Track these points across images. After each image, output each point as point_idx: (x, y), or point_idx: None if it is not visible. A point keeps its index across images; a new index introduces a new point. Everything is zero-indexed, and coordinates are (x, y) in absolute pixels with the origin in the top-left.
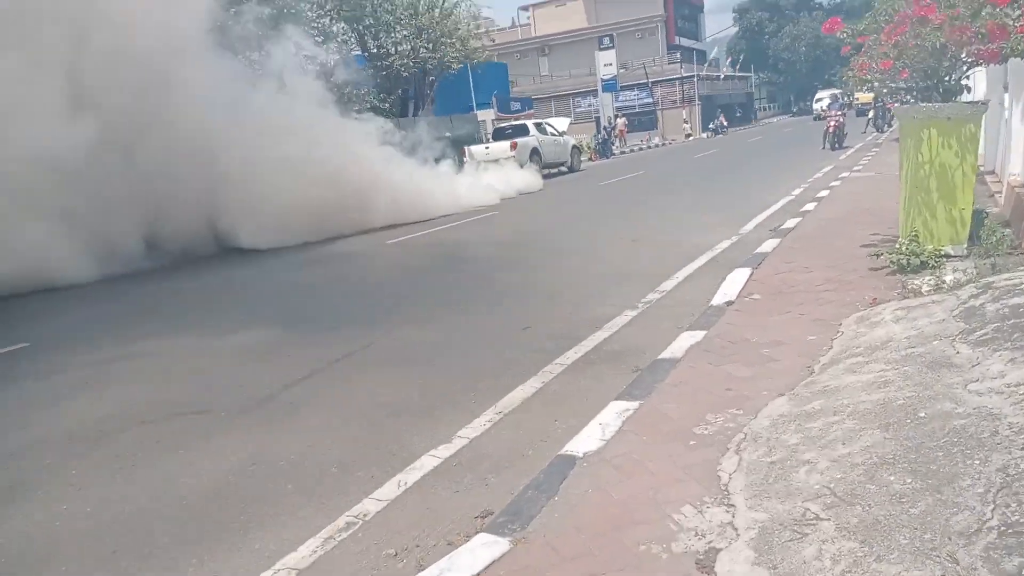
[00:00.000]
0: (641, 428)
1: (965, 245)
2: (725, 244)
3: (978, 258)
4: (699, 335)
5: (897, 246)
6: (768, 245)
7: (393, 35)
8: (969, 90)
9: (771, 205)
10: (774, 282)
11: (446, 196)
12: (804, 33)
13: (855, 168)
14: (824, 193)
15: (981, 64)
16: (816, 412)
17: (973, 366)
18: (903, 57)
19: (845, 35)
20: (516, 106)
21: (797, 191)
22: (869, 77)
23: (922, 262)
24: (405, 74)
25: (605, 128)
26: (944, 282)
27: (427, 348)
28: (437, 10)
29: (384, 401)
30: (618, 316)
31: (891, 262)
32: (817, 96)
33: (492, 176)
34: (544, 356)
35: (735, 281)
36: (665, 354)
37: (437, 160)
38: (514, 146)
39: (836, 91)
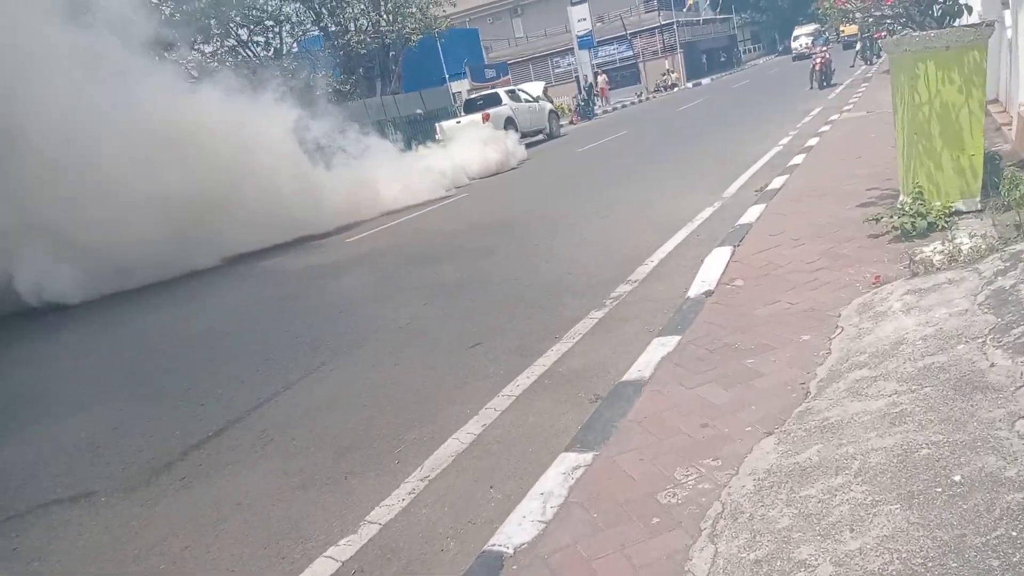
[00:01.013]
0: (592, 498)
1: (979, 198)
2: (707, 213)
3: (995, 212)
4: (671, 342)
5: (899, 205)
6: (752, 212)
7: (349, 10)
8: (969, 11)
9: (757, 160)
10: (759, 261)
11: (394, 188)
12: None
13: (845, 108)
14: (813, 141)
15: None
16: (813, 467)
17: (1017, 388)
18: None
19: None
20: (491, 73)
21: (785, 140)
22: (849, 6)
23: (929, 223)
24: (363, 51)
25: (584, 88)
26: (960, 250)
27: (353, 387)
28: None
29: (289, 469)
30: (582, 320)
31: (893, 227)
32: (795, 33)
33: (461, 153)
34: (490, 384)
35: (715, 263)
36: (631, 373)
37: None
38: (486, 117)
39: (816, 26)
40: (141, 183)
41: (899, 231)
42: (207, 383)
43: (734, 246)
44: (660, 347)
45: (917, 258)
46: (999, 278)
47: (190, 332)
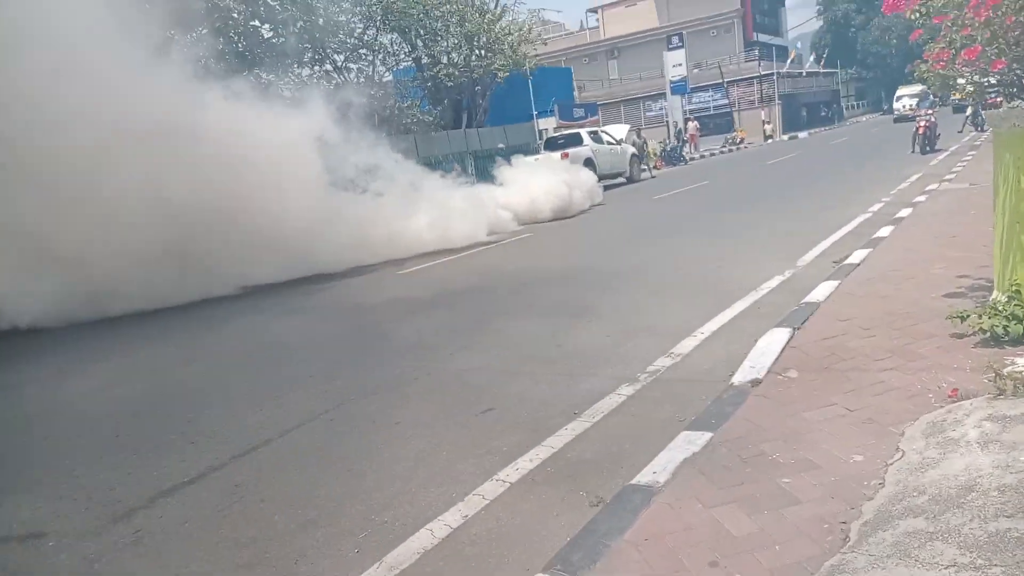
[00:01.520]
0: None
1: None
2: (774, 282)
3: None
4: (700, 440)
5: (991, 303)
6: (823, 289)
7: (442, 43)
8: None
9: (841, 226)
10: (820, 351)
11: (433, 229)
12: (895, 24)
13: (946, 176)
14: (905, 212)
15: None
16: None
17: None
18: (997, 41)
19: (916, 15)
20: (579, 113)
21: (876, 206)
22: (950, 72)
23: None
24: (450, 84)
25: (674, 135)
26: None
27: (345, 443)
28: (487, 15)
29: (243, 539)
30: (608, 395)
31: (981, 328)
32: (898, 93)
33: (524, 192)
34: (488, 463)
35: (770, 346)
36: (644, 474)
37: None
38: (565, 156)
39: (923, 87)
40: (138, 189)
41: (988, 334)
42: (209, 418)
43: (795, 328)
44: (686, 444)
45: (1006, 371)
46: None
47: (212, 361)
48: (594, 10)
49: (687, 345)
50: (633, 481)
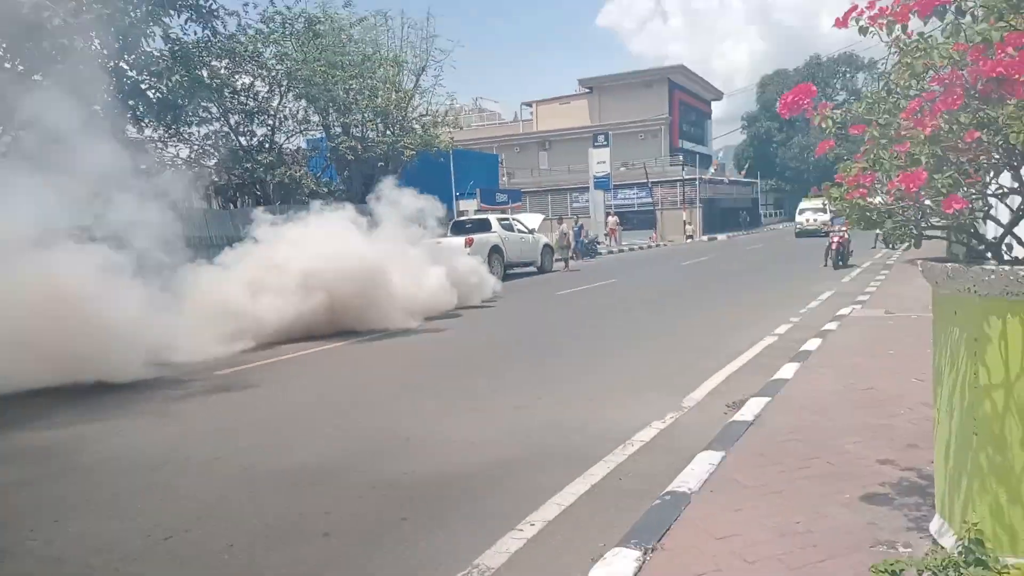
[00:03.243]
0: None
1: None
2: (649, 433)
3: None
4: None
5: (933, 556)
6: (701, 465)
7: (355, 115)
8: None
9: (742, 352)
10: None
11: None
12: (813, 144)
13: (859, 297)
14: (812, 344)
15: None
16: None
17: None
18: (946, 165)
19: (829, 123)
20: (503, 198)
21: (782, 328)
22: (873, 202)
23: None
24: (351, 157)
25: (575, 230)
26: None
27: None
28: (399, 93)
29: None
30: None
31: None
32: (801, 206)
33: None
34: None
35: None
36: None
37: None
38: (469, 243)
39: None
40: None
41: None
42: None
43: (646, 550)
44: None
45: None
46: None
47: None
48: (529, 103)
49: (501, 553)
50: None
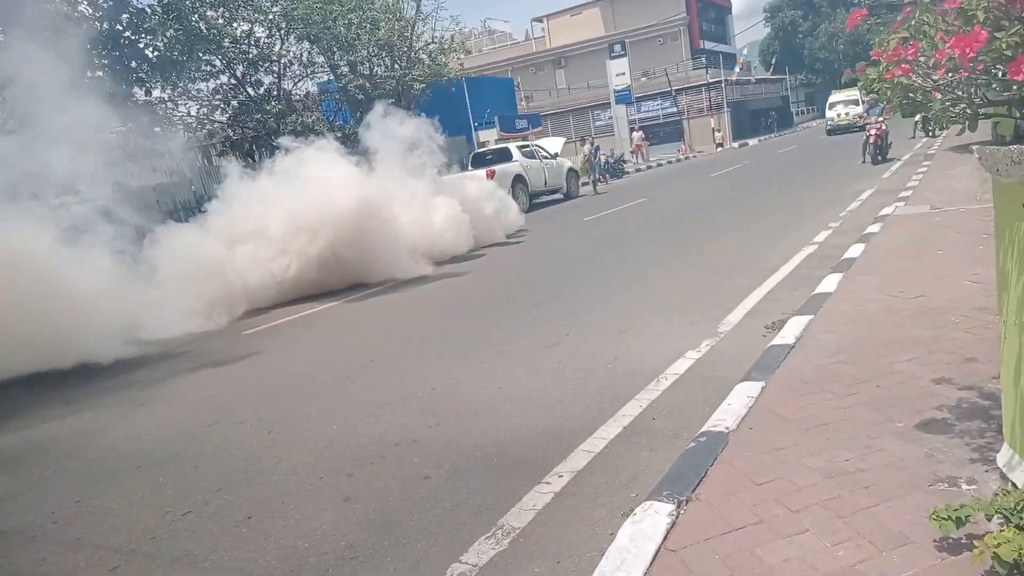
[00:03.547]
0: None
1: None
2: (683, 365)
3: None
4: None
5: (1000, 489)
6: (740, 398)
7: (360, 52)
8: None
9: (779, 267)
10: (714, 566)
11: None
12: (842, 30)
13: (902, 194)
14: (855, 251)
15: None
16: None
17: None
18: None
19: (870, 25)
20: (522, 124)
21: (823, 234)
22: (914, 80)
23: None
24: (360, 96)
25: (598, 148)
26: None
27: None
28: (401, 22)
29: None
30: None
31: (992, 551)
32: (831, 100)
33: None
34: None
35: (634, 554)
36: None
37: None
38: (491, 174)
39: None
40: None
41: (1003, 566)
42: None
43: (679, 503)
44: None
45: None
46: None
47: None
48: (539, 19)
49: (526, 511)
50: None
